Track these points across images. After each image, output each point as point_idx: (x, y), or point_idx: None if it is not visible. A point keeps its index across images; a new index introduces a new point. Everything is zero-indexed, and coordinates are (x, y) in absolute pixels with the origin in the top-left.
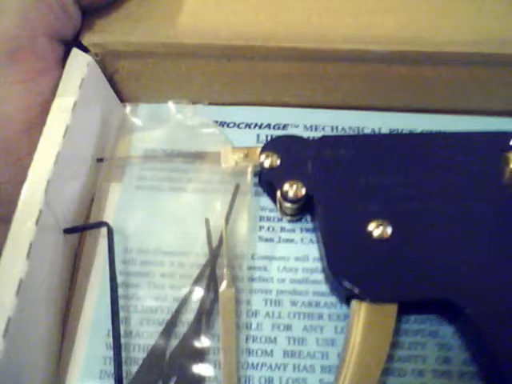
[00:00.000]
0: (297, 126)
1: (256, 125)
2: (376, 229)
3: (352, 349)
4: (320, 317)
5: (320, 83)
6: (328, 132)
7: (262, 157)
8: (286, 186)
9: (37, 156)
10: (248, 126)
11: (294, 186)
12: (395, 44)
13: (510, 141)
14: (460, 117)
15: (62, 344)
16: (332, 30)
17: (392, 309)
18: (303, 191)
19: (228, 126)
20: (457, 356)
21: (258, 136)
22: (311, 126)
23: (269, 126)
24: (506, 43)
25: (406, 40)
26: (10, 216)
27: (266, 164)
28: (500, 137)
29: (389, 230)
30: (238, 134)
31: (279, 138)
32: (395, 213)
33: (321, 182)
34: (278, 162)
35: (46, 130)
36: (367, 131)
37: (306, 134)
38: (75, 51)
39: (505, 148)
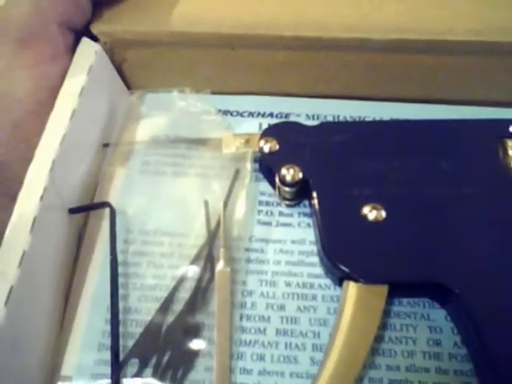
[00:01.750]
0: (299, 115)
1: (259, 113)
2: (370, 212)
3: (342, 327)
4: (314, 298)
5: (321, 72)
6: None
7: (262, 142)
8: (284, 170)
9: (44, 137)
10: (251, 114)
11: (292, 170)
12: (395, 33)
13: (508, 127)
14: (462, 107)
15: (63, 317)
16: (332, 19)
17: (382, 290)
18: (300, 175)
19: (231, 114)
20: (447, 338)
21: (261, 125)
22: (313, 115)
23: (271, 114)
24: (505, 32)
25: (406, 29)
26: (17, 194)
27: (266, 149)
28: (498, 123)
29: (383, 213)
30: (240, 123)
31: (279, 124)
32: (390, 197)
33: (317, 166)
34: (277, 146)
35: (54, 112)
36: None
37: (307, 123)
38: (85, 40)
39: (503, 134)
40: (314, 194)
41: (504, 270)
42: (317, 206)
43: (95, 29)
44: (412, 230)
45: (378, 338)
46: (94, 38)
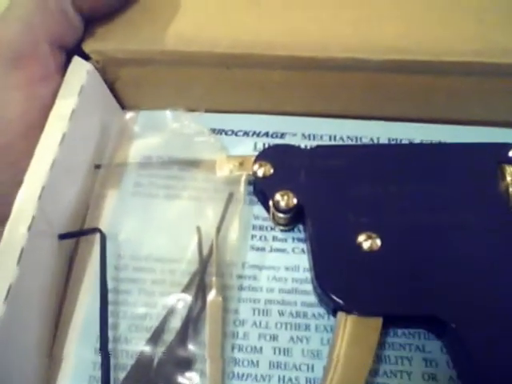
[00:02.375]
0: (295, 135)
1: (254, 133)
2: (365, 241)
3: (336, 361)
4: (307, 328)
5: (318, 92)
6: (326, 141)
7: (256, 166)
8: (278, 196)
9: (33, 163)
10: (246, 133)
11: (286, 196)
12: (394, 53)
13: (507, 152)
14: (460, 127)
15: (52, 348)
16: (330, 39)
17: (377, 322)
18: (294, 201)
19: (226, 133)
20: (443, 372)
21: (256, 144)
22: (309, 135)
23: (267, 134)
24: (505, 53)
25: (404, 49)
26: (6, 217)
27: (260, 173)
28: (496, 148)
29: (378, 243)
30: (235, 142)
31: (273, 147)
32: (386, 225)
33: (312, 193)
34: (271, 171)
35: (43, 137)
36: (366, 140)
37: (304, 143)
38: (76, 59)
39: (501, 160)
40: (309, 221)
41: (501, 303)
42: (311, 234)
43: (87, 47)
44: (407, 261)
45: (373, 372)
46: (86, 57)
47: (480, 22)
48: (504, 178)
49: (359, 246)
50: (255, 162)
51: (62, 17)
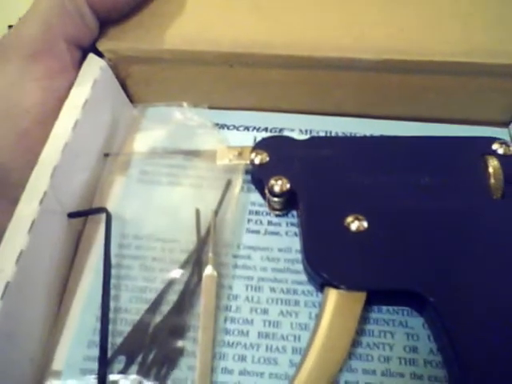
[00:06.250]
0: (292, 131)
1: (254, 128)
2: (353, 222)
3: (320, 331)
4: (296, 303)
5: (314, 90)
6: None
7: (253, 154)
8: (273, 181)
9: (47, 145)
10: (246, 128)
11: (280, 181)
12: (385, 53)
13: (490, 145)
14: (449, 126)
15: (57, 315)
16: (326, 40)
17: (361, 296)
18: (288, 186)
19: (228, 128)
20: (424, 345)
21: (255, 138)
22: (306, 131)
23: (266, 129)
24: (492, 54)
25: (395, 49)
26: (19, 199)
27: (257, 161)
28: (481, 141)
29: (365, 225)
30: (236, 136)
31: (270, 137)
32: (373, 209)
33: (305, 179)
34: (267, 159)
35: (58, 122)
36: None
37: (300, 138)
38: (91, 56)
39: (485, 152)
40: (301, 205)
41: (477, 281)
42: (302, 216)
43: (101, 46)
44: (391, 241)
45: (356, 343)
46: (100, 55)
47: (466, 25)
48: (487, 169)
49: (347, 227)
50: (253, 150)
51: (79, 19)
